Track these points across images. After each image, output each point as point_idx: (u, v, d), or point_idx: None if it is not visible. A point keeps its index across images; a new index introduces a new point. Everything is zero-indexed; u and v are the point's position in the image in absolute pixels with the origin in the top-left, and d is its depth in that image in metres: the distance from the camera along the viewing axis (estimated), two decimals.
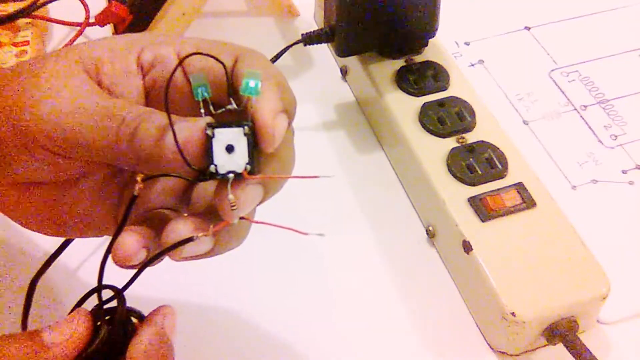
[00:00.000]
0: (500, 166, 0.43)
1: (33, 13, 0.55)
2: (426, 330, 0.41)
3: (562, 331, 0.38)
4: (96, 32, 0.55)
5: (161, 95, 0.30)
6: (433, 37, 0.50)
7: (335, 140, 0.51)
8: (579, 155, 0.49)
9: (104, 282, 0.28)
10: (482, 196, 0.42)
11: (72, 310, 0.28)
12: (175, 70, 0.27)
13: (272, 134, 0.26)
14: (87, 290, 0.29)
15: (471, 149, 0.44)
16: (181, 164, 0.26)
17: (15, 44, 0.54)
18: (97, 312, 0.28)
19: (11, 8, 0.55)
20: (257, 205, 0.28)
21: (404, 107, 0.47)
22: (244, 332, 0.41)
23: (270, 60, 0.48)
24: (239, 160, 0.26)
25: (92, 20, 0.55)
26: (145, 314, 0.29)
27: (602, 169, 0.48)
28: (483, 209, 0.41)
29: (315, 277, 0.43)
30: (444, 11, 0.48)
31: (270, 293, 0.43)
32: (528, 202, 0.42)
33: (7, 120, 0.28)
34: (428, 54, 0.50)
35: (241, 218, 0.27)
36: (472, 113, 0.46)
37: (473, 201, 0.42)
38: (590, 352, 0.37)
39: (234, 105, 0.27)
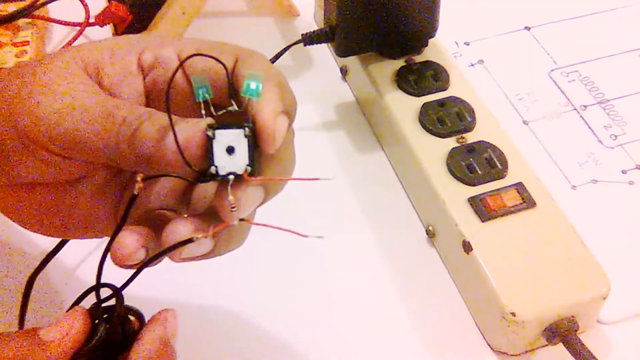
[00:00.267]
0: (500, 166, 0.43)
1: (33, 13, 0.55)
2: (426, 330, 0.41)
3: (562, 331, 0.38)
4: (96, 32, 0.55)
5: (161, 96, 0.30)
6: (433, 37, 0.50)
7: (335, 140, 0.51)
8: (579, 155, 0.49)
9: (103, 281, 0.28)
10: (482, 196, 0.42)
11: (69, 309, 0.28)
12: (176, 71, 0.27)
13: (272, 136, 0.26)
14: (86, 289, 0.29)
15: (471, 149, 0.44)
16: (181, 165, 0.26)
17: (15, 44, 0.54)
18: (95, 311, 0.28)
19: (11, 8, 0.55)
20: (258, 206, 0.28)
21: (404, 107, 0.47)
22: (244, 332, 0.41)
23: (270, 60, 0.48)
24: (239, 162, 0.26)
25: (92, 20, 0.55)
26: (144, 314, 0.29)
27: (602, 169, 0.48)
28: (483, 209, 0.41)
29: (315, 277, 0.43)
30: (444, 11, 0.48)
31: (270, 293, 0.43)
32: (528, 202, 0.42)
33: (8, 120, 0.28)
34: (428, 54, 0.50)
35: (241, 219, 0.27)
36: (472, 113, 0.46)
37: (473, 201, 0.42)
38: (590, 352, 0.37)
39: (235, 107, 0.27)
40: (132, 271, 0.28)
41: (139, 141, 0.26)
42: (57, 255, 0.34)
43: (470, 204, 0.42)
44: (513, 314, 0.37)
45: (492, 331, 0.40)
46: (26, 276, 0.35)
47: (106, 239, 0.28)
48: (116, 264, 0.27)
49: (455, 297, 0.43)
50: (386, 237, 0.45)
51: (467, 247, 0.40)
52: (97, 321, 0.28)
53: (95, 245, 0.42)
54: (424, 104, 0.46)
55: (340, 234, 0.45)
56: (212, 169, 0.26)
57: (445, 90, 0.48)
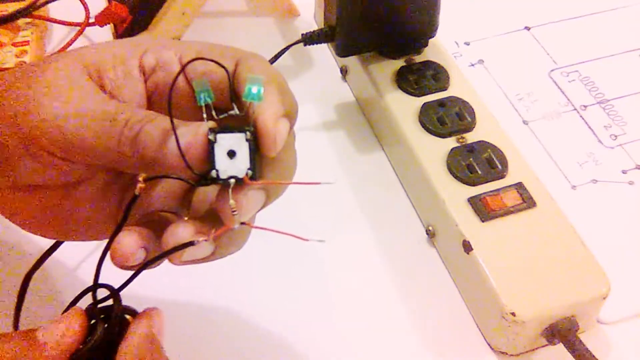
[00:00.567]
0: (500, 166, 0.43)
1: (33, 13, 0.55)
2: (426, 330, 0.41)
3: (562, 331, 0.38)
4: (96, 32, 0.55)
5: (163, 99, 0.30)
6: (433, 37, 0.50)
7: (335, 140, 0.51)
8: (579, 155, 0.49)
9: (102, 282, 0.28)
10: (482, 196, 0.42)
11: (66, 309, 0.28)
12: (177, 75, 0.27)
13: (273, 139, 0.26)
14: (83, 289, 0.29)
15: (471, 149, 0.44)
16: (183, 168, 0.26)
17: (15, 44, 0.54)
18: (92, 311, 0.28)
19: (11, 8, 0.55)
20: (259, 210, 0.28)
21: (404, 107, 0.47)
22: (244, 332, 0.41)
23: (270, 60, 0.48)
24: (240, 166, 0.26)
25: (92, 20, 0.55)
26: None
27: (602, 169, 0.48)
28: (483, 209, 0.41)
29: (315, 277, 0.43)
30: (444, 11, 0.48)
31: (270, 293, 0.43)
32: (528, 202, 0.42)
33: (9, 123, 0.28)
34: (428, 54, 0.50)
35: (242, 223, 0.27)
36: (472, 113, 0.46)
37: (473, 201, 0.42)
38: (590, 352, 0.37)
39: (236, 111, 0.27)
40: (130, 272, 0.28)
41: (141, 144, 0.26)
42: (57, 256, 0.34)
43: (470, 204, 0.42)
44: (513, 314, 0.37)
45: (492, 331, 0.40)
46: (23, 275, 0.35)
47: (106, 240, 0.28)
48: (115, 264, 0.27)
49: (455, 297, 0.43)
50: (386, 237, 0.45)
51: (467, 247, 0.40)
52: (93, 321, 0.28)
53: (95, 246, 0.42)
54: (424, 104, 0.46)
55: (340, 234, 0.45)
56: (213, 173, 0.26)
57: (445, 90, 0.48)
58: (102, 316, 0.28)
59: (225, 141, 0.26)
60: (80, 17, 0.55)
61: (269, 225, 0.28)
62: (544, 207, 0.42)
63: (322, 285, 0.43)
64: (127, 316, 0.28)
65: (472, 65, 0.55)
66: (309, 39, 0.49)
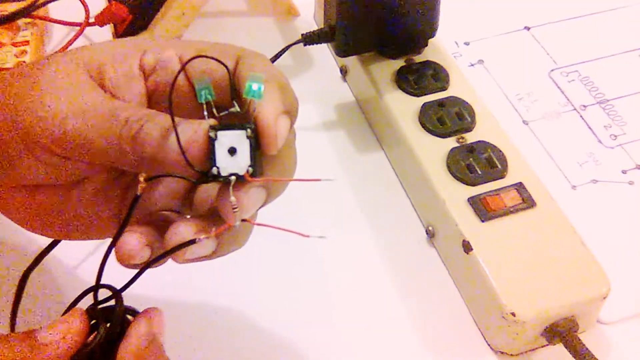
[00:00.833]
0: (500, 166, 0.43)
1: (33, 13, 0.55)
2: (426, 330, 0.41)
3: (562, 331, 0.38)
4: (96, 32, 0.55)
5: (164, 99, 0.30)
6: (433, 37, 0.50)
7: (335, 140, 0.51)
8: (579, 155, 0.49)
9: (105, 282, 0.28)
10: (482, 196, 0.42)
11: (68, 309, 0.28)
12: (178, 73, 0.27)
13: (274, 136, 0.26)
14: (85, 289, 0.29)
15: (471, 149, 0.44)
16: (184, 166, 0.26)
17: (15, 44, 0.54)
18: (93, 311, 0.28)
19: (11, 8, 0.55)
20: (260, 207, 0.28)
21: (404, 107, 0.47)
22: (244, 332, 0.41)
23: (270, 60, 0.48)
24: (241, 163, 0.26)
25: (92, 20, 0.55)
26: None
27: (602, 169, 0.48)
28: (483, 209, 0.41)
29: (315, 277, 0.43)
30: (444, 11, 0.48)
31: (270, 293, 0.43)
32: (528, 202, 0.42)
33: (10, 122, 0.28)
34: (428, 54, 0.50)
35: (243, 220, 0.27)
36: (472, 113, 0.46)
37: (473, 201, 0.42)
38: (590, 352, 0.37)
39: (237, 108, 0.27)
40: (132, 272, 0.28)
41: (141, 142, 0.26)
42: (58, 255, 0.34)
43: (470, 204, 0.42)
44: (513, 314, 0.37)
45: (492, 331, 0.40)
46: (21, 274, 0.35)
47: (109, 240, 0.28)
48: (121, 262, 0.27)
49: (455, 297, 0.43)
50: (386, 237, 0.45)
51: (467, 247, 0.40)
52: (94, 322, 0.28)
53: (97, 246, 0.42)
54: (424, 104, 0.46)
55: (340, 234, 0.45)
56: (214, 170, 0.26)
57: (445, 90, 0.48)
58: (103, 316, 0.28)
59: (226, 138, 0.26)
60: (80, 17, 0.55)
61: (269, 223, 0.28)
62: (544, 207, 0.42)
63: (322, 285, 0.43)
64: (129, 316, 0.29)
65: (472, 65, 0.55)
66: (309, 39, 0.49)
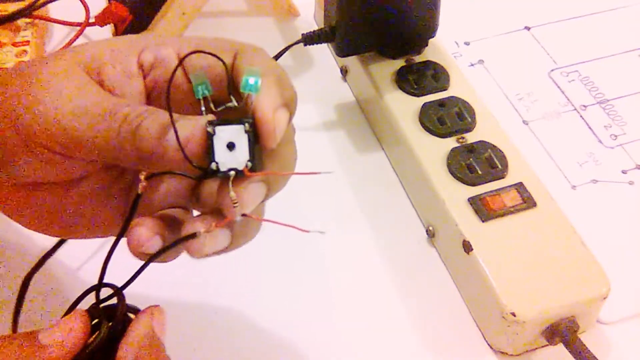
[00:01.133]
0: (500, 166, 0.43)
1: (33, 13, 0.55)
2: (426, 330, 0.41)
3: (562, 331, 0.38)
4: (96, 32, 0.55)
5: (162, 96, 0.30)
6: (433, 37, 0.50)
7: (335, 140, 0.51)
8: (579, 155, 0.49)
9: (108, 282, 0.28)
10: (482, 196, 0.42)
11: (70, 307, 0.28)
12: (176, 69, 0.27)
13: (272, 130, 0.26)
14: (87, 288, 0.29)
15: (471, 149, 0.44)
16: (183, 162, 0.26)
17: (15, 44, 0.54)
18: (95, 310, 0.28)
19: (11, 8, 0.55)
20: (261, 202, 0.28)
21: (404, 107, 0.47)
22: (243, 331, 0.41)
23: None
24: (240, 158, 0.26)
25: (92, 20, 0.55)
26: None
27: (602, 169, 0.48)
28: (483, 209, 0.41)
29: (315, 277, 0.43)
30: (444, 11, 0.48)
31: (270, 293, 0.43)
32: (528, 202, 0.42)
33: (9, 120, 0.28)
34: (428, 54, 0.50)
35: (244, 215, 0.27)
36: (472, 113, 0.46)
37: (473, 201, 0.42)
38: (590, 352, 0.37)
39: (234, 103, 0.27)
40: (132, 272, 0.28)
41: (140, 139, 0.26)
42: (60, 255, 0.34)
43: (470, 204, 0.42)
44: (513, 314, 0.37)
45: (492, 331, 0.40)
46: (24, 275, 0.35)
47: (112, 239, 0.28)
48: (132, 250, 0.27)
49: (455, 297, 0.43)
50: (386, 237, 0.45)
51: (467, 247, 0.40)
52: (95, 321, 0.28)
53: (99, 246, 0.42)
54: (424, 104, 0.46)
55: (340, 234, 0.45)
56: (213, 166, 0.26)
57: (445, 90, 0.48)
58: (105, 315, 0.28)
59: (225, 133, 0.26)
60: (80, 17, 0.55)
61: (269, 225, 0.28)
62: (544, 207, 0.42)
63: (322, 285, 0.43)
64: (131, 315, 0.29)
65: (472, 65, 0.55)
66: (309, 39, 0.49)
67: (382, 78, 0.49)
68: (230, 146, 0.26)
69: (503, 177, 0.43)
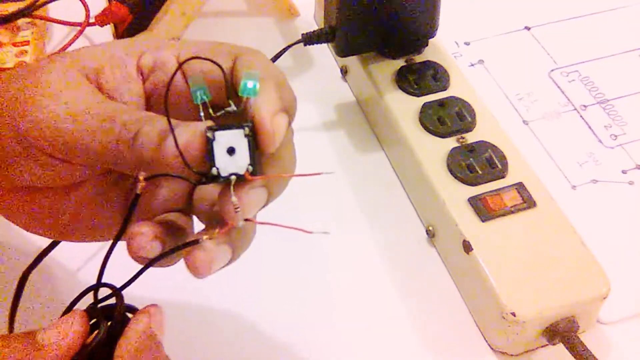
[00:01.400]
0: (500, 166, 0.43)
1: (33, 13, 0.55)
2: (426, 330, 0.41)
3: (562, 331, 0.38)
4: (96, 32, 0.55)
5: (162, 100, 0.29)
6: (433, 37, 0.50)
7: (335, 140, 0.51)
8: (579, 155, 0.49)
9: (107, 283, 0.28)
10: (482, 196, 0.42)
11: (68, 307, 0.28)
12: (174, 75, 0.27)
13: (271, 134, 0.26)
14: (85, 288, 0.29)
15: (471, 149, 0.44)
16: (182, 168, 0.26)
17: (15, 44, 0.54)
18: (93, 310, 0.28)
19: (11, 8, 0.55)
20: (262, 207, 0.28)
21: (404, 107, 0.47)
22: (243, 332, 0.41)
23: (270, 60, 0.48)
24: (240, 162, 0.26)
25: (92, 20, 0.55)
26: None
27: (602, 169, 0.48)
28: (483, 209, 0.41)
29: (315, 276, 0.43)
30: (444, 11, 0.48)
31: (269, 293, 0.43)
32: (528, 202, 0.42)
33: (7, 124, 0.28)
34: (428, 54, 0.50)
35: (245, 220, 0.27)
36: (472, 113, 0.46)
37: (473, 201, 0.42)
38: (590, 352, 0.37)
39: (234, 107, 0.27)
40: (134, 272, 0.28)
41: (140, 144, 0.26)
42: (59, 256, 0.34)
43: (470, 204, 0.42)
44: (513, 314, 0.37)
45: (492, 331, 0.40)
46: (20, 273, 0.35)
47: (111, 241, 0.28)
48: (132, 254, 0.27)
49: (455, 297, 0.43)
50: (386, 237, 0.45)
51: (467, 247, 0.40)
52: (94, 320, 0.28)
53: (98, 247, 0.42)
54: (424, 104, 0.46)
55: (340, 234, 0.45)
56: (214, 171, 0.26)
57: (445, 90, 0.48)
58: (104, 315, 0.28)
59: (224, 138, 0.26)
60: (80, 17, 0.55)
61: (268, 226, 0.28)
62: (544, 207, 0.42)
63: (323, 285, 0.43)
64: (129, 314, 0.29)
65: (472, 65, 0.55)
66: (309, 39, 0.49)
67: (382, 78, 0.49)
68: (230, 151, 0.26)
69: (503, 177, 0.43)
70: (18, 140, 0.28)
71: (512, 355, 0.40)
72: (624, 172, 0.48)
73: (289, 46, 0.50)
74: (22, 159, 0.28)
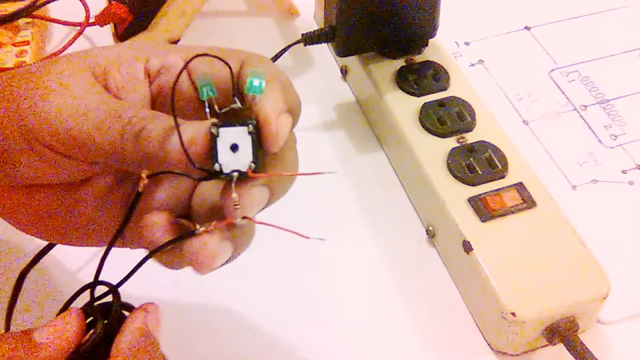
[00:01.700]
0: (500, 166, 0.43)
1: (33, 13, 0.55)
2: (426, 330, 0.41)
3: (562, 331, 0.38)
4: (96, 32, 0.55)
5: (167, 102, 0.30)
6: (433, 37, 0.50)
7: (335, 140, 0.51)
8: (579, 155, 0.49)
9: (101, 279, 0.28)
10: (482, 196, 0.42)
11: (64, 305, 0.28)
12: (181, 71, 0.27)
13: (275, 132, 0.26)
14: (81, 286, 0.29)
15: (471, 149, 0.44)
16: (186, 166, 0.26)
17: (15, 44, 0.54)
18: (89, 308, 0.28)
19: (11, 8, 0.55)
20: (263, 208, 0.28)
21: (404, 107, 0.47)
22: (242, 332, 0.41)
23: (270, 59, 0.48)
24: (243, 159, 0.26)
25: (92, 20, 0.55)
26: None
27: (602, 169, 0.48)
28: (483, 209, 0.41)
29: (315, 276, 0.43)
30: (444, 11, 0.48)
31: (269, 293, 0.43)
32: (528, 202, 0.42)
33: (13, 118, 0.28)
34: (428, 54, 0.50)
35: (244, 217, 0.27)
36: (472, 113, 0.46)
37: (473, 201, 0.42)
38: (590, 352, 0.37)
39: (239, 104, 0.27)
40: (128, 270, 0.28)
41: (144, 141, 0.26)
42: (57, 256, 0.34)
43: (470, 204, 0.42)
44: (513, 314, 0.37)
45: (492, 331, 0.40)
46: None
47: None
48: (145, 236, 0.27)
49: (455, 297, 0.43)
50: (386, 237, 0.45)
51: (467, 247, 0.40)
52: (90, 319, 0.28)
53: (96, 248, 0.42)
54: (424, 104, 0.46)
55: (340, 234, 0.45)
56: (217, 167, 0.26)
57: (445, 90, 0.48)
58: (100, 313, 0.28)
59: (228, 135, 0.26)
60: (80, 17, 0.55)
61: (269, 221, 0.28)
62: (544, 207, 0.42)
63: (322, 285, 0.43)
64: (126, 312, 0.29)
65: (472, 65, 0.55)
66: (309, 39, 0.49)
67: (382, 78, 0.49)
68: (234, 148, 0.26)
69: (503, 177, 0.43)
70: (23, 135, 0.28)
71: (512, 355, 0.40)
72: (624, 172, 0.48)
73: (289, 46, 0.50)
74: (25, 153, 0.28)
